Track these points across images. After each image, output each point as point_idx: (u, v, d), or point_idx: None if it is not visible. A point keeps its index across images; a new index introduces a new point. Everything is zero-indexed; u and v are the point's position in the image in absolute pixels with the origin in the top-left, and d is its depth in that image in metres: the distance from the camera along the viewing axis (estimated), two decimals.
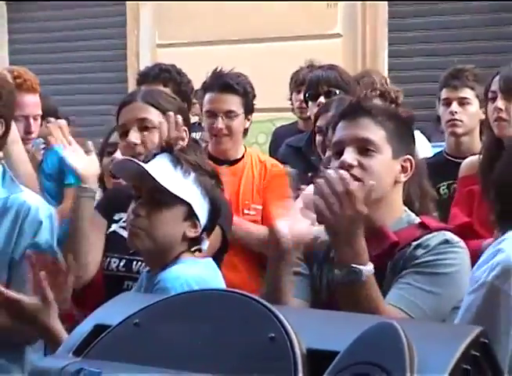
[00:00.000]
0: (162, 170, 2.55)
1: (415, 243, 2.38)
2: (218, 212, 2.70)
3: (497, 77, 3.55)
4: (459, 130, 4.04)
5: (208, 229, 2.66)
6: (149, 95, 3.19)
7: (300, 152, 4.32)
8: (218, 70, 4.05)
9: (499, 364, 1.24)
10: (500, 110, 3.38)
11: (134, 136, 3.06)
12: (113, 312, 1.43)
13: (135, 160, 2.64)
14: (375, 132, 2.40)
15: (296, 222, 2.30)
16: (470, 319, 2.10)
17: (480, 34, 7.88)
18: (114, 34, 9.63)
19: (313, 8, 8.34)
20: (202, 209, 2.60)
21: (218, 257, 3.08)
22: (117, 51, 9.43)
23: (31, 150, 3.97)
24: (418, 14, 8.21)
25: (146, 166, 2.53)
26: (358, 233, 2.20)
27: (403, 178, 2.47)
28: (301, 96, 5.14)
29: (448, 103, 4.06)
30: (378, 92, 4.64)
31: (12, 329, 2.77)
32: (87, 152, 2.96)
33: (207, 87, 4.02)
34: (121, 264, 2.98)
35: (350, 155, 2.36)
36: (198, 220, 2.59)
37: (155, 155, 2.63)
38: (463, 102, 4.03)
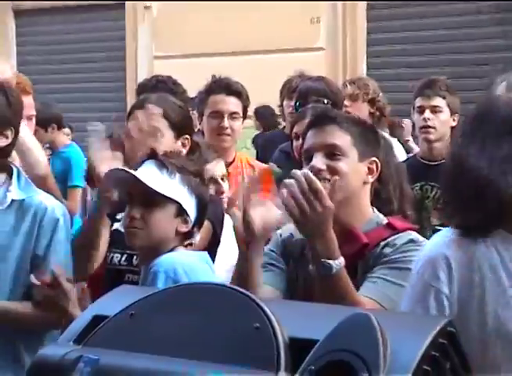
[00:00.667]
0: (150, 174, 2.59)
1: (383, 243, 2.38)
2: (206, 207, 2.72)
3: (503, 84, 3.57)
4: (432, 136, 4.07)
5: (198, 223, 2.69)
6: (159, 103, 3.20)
7: (292, 156, 4.32)
8: (218, 76, 4.05)
9: (464, 351, 1.24)
10: None
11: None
12: (110, 303, 1.43)
13: (126, 168, 2.69)
14: (341, 138, 2.40)
15: (268, 212, 2.29)
16: (405, 307, 2.12)
17: (453, 48, 7.91)
18: (114, 46, 9.63)
19: (298, 23, 8.38)
20: (190, 206, 2.63)
21: (211, 250, 3.09)
22: (117, 62, 9.42)
23: None
24: (394, 29, 8.25)
25: (136, 173, 2.57)
26: (328, 229, 2.20)
27: (370, 179, 2.47)
28: (293, 103, 5.15)
29: (421, 110, 4.08)
30: (369, 97, 4.66)
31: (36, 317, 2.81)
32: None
33: (212, 90, 4.00)
34: (123, 258, 2.99)
35: (319, 160, 2.37)
36: (188, 216, 2.62)
37: (143, 162, 2.67)
38: (435, 110, 4.05)
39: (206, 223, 3.10)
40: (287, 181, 2.20)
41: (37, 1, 9.82)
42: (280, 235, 2.58)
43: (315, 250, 2.22)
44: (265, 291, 2.41)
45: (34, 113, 3.76)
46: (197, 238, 2.72)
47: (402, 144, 5.34)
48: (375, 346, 1.16)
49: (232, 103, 3.90)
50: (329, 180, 2.34)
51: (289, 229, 2.55)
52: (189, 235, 2.66)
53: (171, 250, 2.60)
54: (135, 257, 2.92)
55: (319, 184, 2.18)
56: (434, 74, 4.59)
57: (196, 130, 3.93)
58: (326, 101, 4.30)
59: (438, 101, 4.07)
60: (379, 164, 2.47)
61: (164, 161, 2.64)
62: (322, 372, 1.17)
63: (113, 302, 1.42)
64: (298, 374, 1.18)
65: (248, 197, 2.30)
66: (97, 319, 1.38)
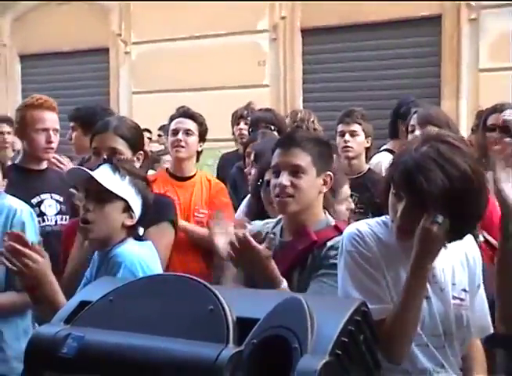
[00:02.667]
0: (104, 175, 2.54)
1: (329, 244, 2.35)
2: (150, 206, 2.65)
3: (414, 116, 3.62)
4: (351, 154, 4.10)
5: (142, 219, 2.62)
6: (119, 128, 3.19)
7: (242, 170, 4.32)
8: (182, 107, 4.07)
9: (374, 326, 1.26)
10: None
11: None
12: (94, 291, 1.42)
13: (84, 168, 2.65)
14: (303, 159, 2.37)
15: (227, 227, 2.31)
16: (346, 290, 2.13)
17: (369, 86, 8.00)
18: (100, 84, 9.59)
19: (248, 66, 8.42)
20: (136, 204, 2.57)
21: None
22: (103, 96, 9.36)
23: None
24: (325, 71, 8.32)
25: (92, 172, 2.53)
26: (266, 271, 2.21)
27: (325, 189, 2.45)
28: (240, 127, 5.15)
29: (342, 134, 4.12)
30: (296, 124, 4.67)
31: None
32: None
33: (173, 116, 4.04)
34: None
35: (284, 178, 2.34)
36: (133, 212, 2.56)
37: (99, 165, 2.63)
38: (353, 134, 4.10)
39: (169, 227, 3.08)
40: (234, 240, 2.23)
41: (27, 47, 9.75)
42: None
43: (260, 283, 2.23)
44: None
45: (59, 127, 3.72)
46: (141, 231, 2.64)
47: None
48: (304, 323, 1.16)
49: (186, 123, 3.90)
50: (293, 196, 2.35)
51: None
52: (134, 228, 2.60)
53: (122, 241, 2.54)
54: None
55: (251, 241, 2.20)
56: (354, 106, 4.63)
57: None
58: (273, 127, 4.32)
59: (355, 127, 4.12)
60: (332, 176, 2.46)
61: (117, 165, 2.60)
62: (262, 344, 1.18)
63: (96, 290, 1.41)
64: (244, 346, 1.19)
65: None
66: (83, 304, 1.38)
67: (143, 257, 2.49)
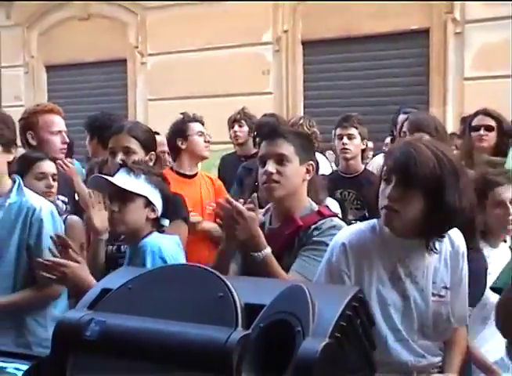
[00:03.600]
0: (121, 178, 2.57)
1: (313, 226, 2.37)
2: (169, 198, 2.68)
3: (406, 122, 3.61)
4: (348, 155, 4.10)
5: (165, 211, 2.65)
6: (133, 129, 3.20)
7: (252, 171, 4.30)
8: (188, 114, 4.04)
9: (370, 311, 1.25)
10: None
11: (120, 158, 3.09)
12: (114, 280, 1.42)
13: (103, 176, 2.69)
14: (287, 149, 2.39)
15: None
16: (319, 279, 2.13)
17: (365, 93, 8.00)
18: (119, 92, 9.60)
19: (254, 75, 8.43)
20: (156, 198, 2.59)
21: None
22: (121, 103, 9.39)
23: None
24: (324, 79, 8.31)
25: (110, 178, 2.57)
26: (252, 230, 2.23)
27: (308, 177, 2.46)
28: (234, 129, 5.14)
29: (340, 137, 4.12)
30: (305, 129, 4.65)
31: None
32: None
33: (189, 120, 4.04)
34: (114, 248, 2.92)
35: (271, 166, 2.37)
36: (155, 206, 2.58)
37: (117, 171, 2.68)
38: (350, 137, 4.09)
39: (182, 224, 3.08)
40: (221, 207, 2.26)
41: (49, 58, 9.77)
42: None
43: (248, 248, 2.26)
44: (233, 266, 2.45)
45: (65, 129, 3.72)
46: (167, 223, 2.68)
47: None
48: (306, 308, 1.16)
49: (197, 126, 3.91)
50: (278, 182, 2.36)
51: None
52: (158, 221, 2.63)
53: (148, 234, 2.57)
54: (122, 246, 2.87)
55: (237, 204, 2.23)
56: (351, 112, 4.62)
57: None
58: None
59: (352, 130, 4.12)
60: (314, 166, 2.48)
61: (131, 167, 2.63)
62: (268, 328, 1.18)
63: (116, 279, 1.41)
64: (251, 330, 1.18)
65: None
66: (104, 291, 1.38)
67: (168, 246, 2.51)
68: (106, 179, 2.59)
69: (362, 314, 1.20)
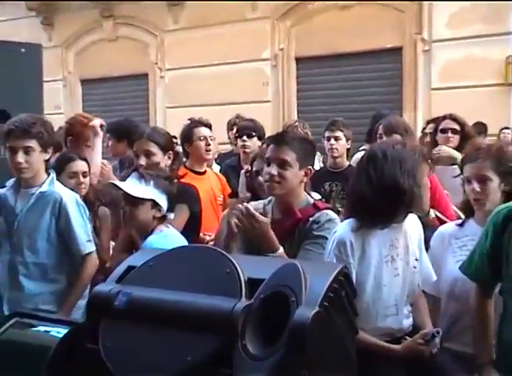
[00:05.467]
0: (131, 184, 2.57)
1: (311, 219, 2.32)
2: (174, 198, 2.66)
3: (381, 125, 3.57)
4: (335, 154, 4.05)
5: (170, 209, 2.64)
6: (151, 135, 3.15)
7: (234, 168, 4.24)
8: (195, 118, 3.95)
9: (354, 285, 1.25)
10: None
11: (142, 160, 3.07)
12: (138, 258, 1.42)
13: (116, 183, 2.68)
14: (289, 155, 2.32)
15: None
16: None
17: (349, 101, 7.99)
18: (141, 101, 9.60)
19: (255, 86, 8.41)
20: (161, 200, 2.58)
21: (191, 223, 3.06)
22: (143, 111, 9.38)
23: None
24: (314, 89, 8.30)
25: (122, 186, 2.57)
26: (266, 233, 2.19)
27: (305, 179, 2.40)
28: (233, 132, 4.97)
29: (329, 139, 4.07)
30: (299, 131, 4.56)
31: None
32: None
33: (195, 125, 3.93)
34: None
35: (274, 169, 2.31)
36: (161, 207, 2.58)
37: (130, 174, 2.68)
38: (337, 138, 4.04)
39: (185, 208, 3.05)
40: (235, 212, 2.24)
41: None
42: None
43: (263, 249, 2.20)
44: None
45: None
46: (171, 216, 2.66)
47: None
48: (299, 282, 1.15)
49: (206, 131, 3.75)
50: (279, 182, 2.33)
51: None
52: (164, 217, 2.62)
53: (154, 228, 2.56)
54: None
55: (252, 210, 2.19)
56: (337, 117, 4.58)
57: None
58: (254, 133, 4.23)
59: (339, 133, 4.07)
60: (312, 170, 2.41)
61: (142, 173, 2.62)
62: (267, 298, 1.17)
63: (139, 258, 1.40)
64: (253, 300, 1.18)
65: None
66: (130, 268, 1.37)
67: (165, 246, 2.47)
68: (118, 186, 2.59)
69: (346, 286, 1.20)
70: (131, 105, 9.50)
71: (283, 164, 2.32)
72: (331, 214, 2.40)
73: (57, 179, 2.82)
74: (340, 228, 2.14)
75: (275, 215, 2.42)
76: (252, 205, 2.49)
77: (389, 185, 1.99)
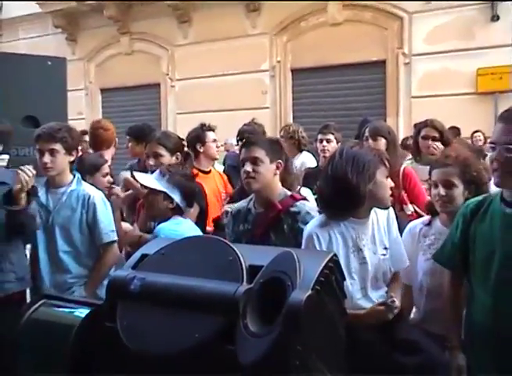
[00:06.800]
0: (147, 178, 2.62)
1: (292, 209, 2.31)
2: (190, 192, 2.66)
3: (367, 129, 3.53)
4: (327, 155, 4.01)
5: (187, 202, 2.64)
6: (160, 138, 3.17)
7: (236, 168, 4.23)
8: (204, 124, 3.95)
9: (343, 272, 1.24)
10: (370, 146, 3.30)
11: (151, 160, 3.11)
12: (151, 247, 1.41)
13: (135, 175, 2.73)
14: (259, 152, 2.33)
15: None
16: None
17: (340, 108, 7.97)
18: (154, 107, 9.59)
19: (255, 94, 8.39)
20: (173, 193, 2.58)
21: (200, 218, 3.07)
22: (155, 117, 9.36)
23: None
24: (308, 97, 8.29)
25: (139, 179, 2.64)
26: None
27: (277, 172, 2.38)
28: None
29: (321, 141, 4.02)
30: (289, 135, 4.53)
31: None
32: None
33: (205, 130, 3.92)
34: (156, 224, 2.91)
35: (248, 166, 2.32)
36: (173, 199, 2.58)
37: (154, 171, 2.72)
38: (328, 141, 4.02)
39: (195, 204, 3.06)
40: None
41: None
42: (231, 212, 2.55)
43: None
44: None
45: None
46: (191, 211, 2.68)
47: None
48: (294, 268, 1.15)
49: (214, 135, 3.79)
50: (254, 178, 2.32)
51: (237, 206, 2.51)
52: (179, 209, 2.62)
53: (171, 217, 2.58)
54: (153, 223, 2.85)
55: None
56: (329, 121, 4.57)
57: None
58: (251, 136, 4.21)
59: (330, 136, 4.04)
60: (282, 164, 2.39)
61: (161, 170, 2.65)
62: (266, 283, 1.17)
63: (152, 246, 1.40)
64: (253, 284, 1.17)
65: None
66: (144, 256, 1.37)
67: (176, 231, 2.49)
68: (137, 180, 2.67)
69: (336, 272, 1.19)
70: (145, 111, 9.49)
71: (255, 161, 2.32)
72: (308, 204, 2.39)
73: (91, 178, 2.93)
74: (310, 223, 2.12)
75: (257, 209, 2.41)
76: (236, 205, 2.51)
77: (340, 182, 1.96)
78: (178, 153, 3.17)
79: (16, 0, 10.10)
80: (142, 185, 2.63)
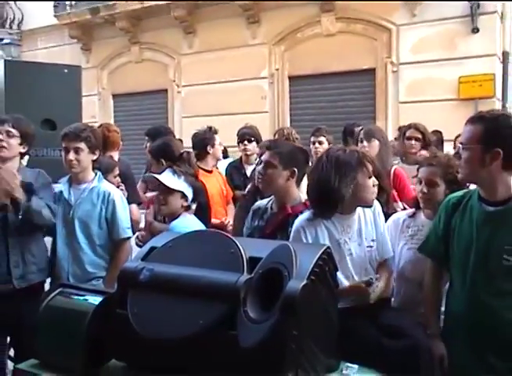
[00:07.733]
0: (166, 177, 2.55)
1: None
2: (197, 192, 2.65)
3: (362, 131, 3.49)
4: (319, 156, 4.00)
5: (194, 200, 2.63)
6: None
7: (237, 167, 4.19)
8: (210, 127, 3.90)
9: (336, 263, 1.24)
10: (364, 147, 3.24)
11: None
12: (159, 240, 1.41)
13: (154, 175, 2.63)
14: (273, 158, 2.28)
15: None
16: None
17: (332, 112, 7.95)
18: (161, 112, 9.56)
19: (255, 99, 8.38)
20: (188, 192, 2.56)
21: (203, 213, 2.99)
22: (163, 120, 9.34)
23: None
24: (304, 102, 8.26)
25: (159, 178, 2.54)
26: None
27: (291, 179, 2.31)
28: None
29: (314, 143, 3.98)
30: (284, 137, 4.48)
31: None
32: None
33: (213, 133, 3.86)
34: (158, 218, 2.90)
35: (261, 169, 2.29)
36: (187, 197, 2.56)
37: (165, 169, 2.65)
38: (320, 143, 3.93)
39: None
40: None
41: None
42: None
43: None
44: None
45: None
46: (194, 207, 2.63)
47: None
48: (291, 259, 1.15)
49: (218, 137, 3.76)
50: (265, 180, 2.28)
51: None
52: (189, 206, 2.61)
53: (180, 214, 2.56)
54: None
55: None
56: (321, 125, 4.54)
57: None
58: (252, 139, 4.14)
59: (322, 138, 4.01)
60: (296, 171, 2.30)
61: (175, 169, 2.61)
62: (265, 273, 1.17)
63: (160, 239, 1.40)
64: (253, 275, 1.18)
65: None
66: (152, 248, 1.37)
67: (187, 227, 2.46)
68: (156, 178, 2.56)
69: (329, 263, 1.20)
70: (154, 115, 9.46)
71: (267, 165, 2.29)
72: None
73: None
74: (298, 219, 2.10)
75: (273, 209, 2.39)
76: (259, 202, 2.47)
77: (323, 184, 1.96)
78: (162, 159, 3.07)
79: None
80: (162, 186, 2.55)
